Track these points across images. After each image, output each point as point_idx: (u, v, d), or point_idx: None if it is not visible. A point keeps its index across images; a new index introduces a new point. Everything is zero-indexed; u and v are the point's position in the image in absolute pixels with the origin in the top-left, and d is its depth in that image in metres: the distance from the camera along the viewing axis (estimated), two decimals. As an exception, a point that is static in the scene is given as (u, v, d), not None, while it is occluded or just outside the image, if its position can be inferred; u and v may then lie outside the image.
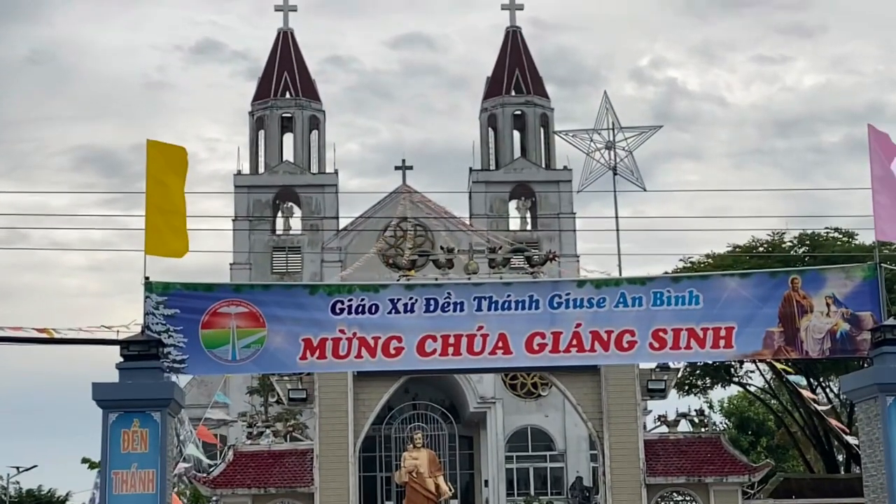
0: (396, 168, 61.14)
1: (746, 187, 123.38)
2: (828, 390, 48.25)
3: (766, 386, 52.49)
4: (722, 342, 21.56)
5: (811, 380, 45.40)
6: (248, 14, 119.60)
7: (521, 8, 65.69)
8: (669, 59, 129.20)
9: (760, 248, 44.75)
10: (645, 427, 32.36)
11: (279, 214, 63.28)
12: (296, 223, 63.11)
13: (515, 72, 64.69)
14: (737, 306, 21.59)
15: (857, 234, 44.00)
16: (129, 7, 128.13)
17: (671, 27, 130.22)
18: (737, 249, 45.26)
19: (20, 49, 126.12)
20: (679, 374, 33.40)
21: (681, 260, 46.48)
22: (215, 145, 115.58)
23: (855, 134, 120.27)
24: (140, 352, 20.05)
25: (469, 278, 27.67)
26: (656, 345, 21.61)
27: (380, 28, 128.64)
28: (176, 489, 32.12)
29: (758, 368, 47.55)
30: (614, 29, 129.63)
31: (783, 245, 44.89)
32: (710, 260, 45.51)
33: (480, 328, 21.64)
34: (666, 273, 28.59)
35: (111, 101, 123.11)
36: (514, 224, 62.56)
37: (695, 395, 49.86)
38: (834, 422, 34.12)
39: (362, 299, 21.52)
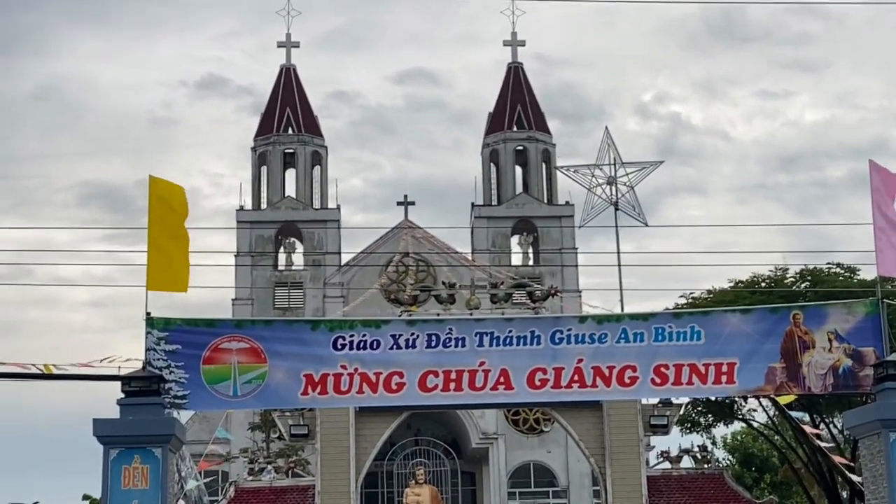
0: (398, 203, 61.25)
1: (749, 222, 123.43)
2: (831, 426, 48.10)
3: (769, 422, 52.36)
4: (724, 378, 21.54)
5: (814, 416, 45.29)
6: (252, 49, 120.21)
7: (522, 44, 66.02)
8: (673, 94, 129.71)
9: (762, 284, 44.74)
10: (648, 463, 32.27)
11: (281, 250, 63.31)
12: (298, 259, 63.14)
13: (517, 107, 64.90)
14: (738, 342, 21.58)
15: (859, 270, 44.03)
16: (135, 43, 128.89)
17: (675, 62, 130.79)
18: (739, 285, 45.26)
19: (26, 85, 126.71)
20: (681, 411, 33.34)
21: (682, 296, 46.50)
22: (219, 180, 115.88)
23: (859, 169, 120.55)
24: (141, 388, 20.03)
25: (471, 314, 27.68)
26: (658, 380, 21.59)
27: (383, 63, 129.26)
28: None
29: (760, 404, 47.46)
30: (618, 64, 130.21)
31: (785, 280, 44.89)
32: (711, 295, 45.51)
33: (482, 364, 21.63)
34: (667, 309, 28.61)
35: (116, 136, 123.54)
36: (516, 259, 62.58)
37: (698, 431, 49.75)
38: (838, 458, 33.96)
39: (364, 335, 21.52)
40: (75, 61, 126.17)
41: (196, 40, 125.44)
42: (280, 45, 65.66)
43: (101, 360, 21.00)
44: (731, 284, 45.53)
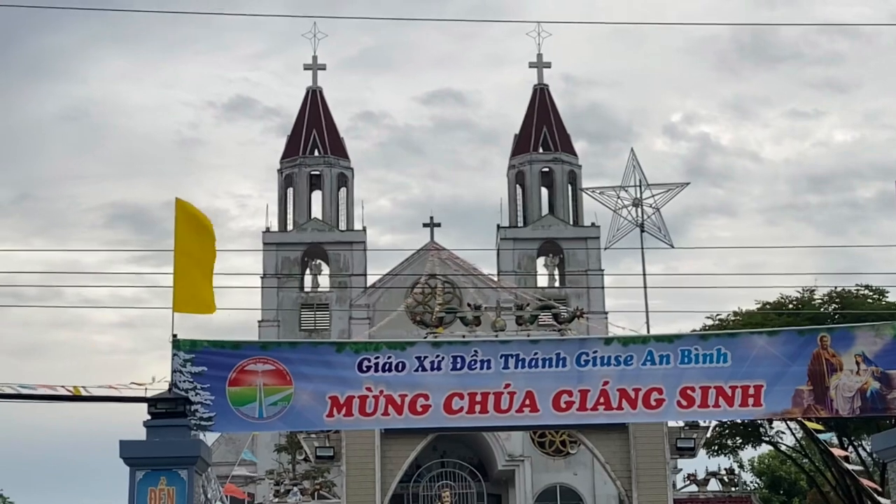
0: (424, 225, 61.36)
1: (779, 243, 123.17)
2: (860, 449, 47.75)
3: (797, 445, 52.02)
4: (751, 400, 21.42)
5: (843, 438, 44.97)
6: (281, 71, 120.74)
7: (548, 66, 66.12)
8: (702, 115, 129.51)
9: (790, 306, 44.53)
10: (674, 486, 32.12)
11: (307, 272, 63.47)
12: (324, 280, 63.30)
13: (543, 129, 64.97)
14: (765, 364, 21.47)
15: (887, 292, 43.80)
16: (163, 64, 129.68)
17: (703, 83, 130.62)
18: (766, 306, 45.06)
19: (54, 107, 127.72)
20: (708, 433, 33.16)
21: (708, 317, 46.33)
22: (246, 201, 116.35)
23: (890, 189, 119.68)
24: (167, 409, 20.09)
25: (496, 335, 27.66)
26: (684, 403, 21.50)
27: (411, 84, 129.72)
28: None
29: (788, 427, 47.16)
30: (646, 85, 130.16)
31: (813, 302, 44.67)
32: (738, 317, 45.31)
33: (507, 386, 21.58)
34: (694, 331, 28.51)
35: (144, 158, 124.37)
36: (542, 281, 62.53)
37: (725, 454, 49.48)
38: (866, 481, 33.70)
39: (389, 357, 21.52)
40: (103, 83, 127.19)
41: (224, 62, 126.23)
42: (306, 67, 66.00)
43: (130, 384, 21.08)
44: (759, 306, 45.32)
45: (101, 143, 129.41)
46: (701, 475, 32.29)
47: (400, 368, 21.45)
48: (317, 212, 64.77)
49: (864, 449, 47.42)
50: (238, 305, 67.30)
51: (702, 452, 31.78)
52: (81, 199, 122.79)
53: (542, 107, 65.55)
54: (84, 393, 21.15)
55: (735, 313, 45.91)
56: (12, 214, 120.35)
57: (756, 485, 67.86)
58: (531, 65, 65.92)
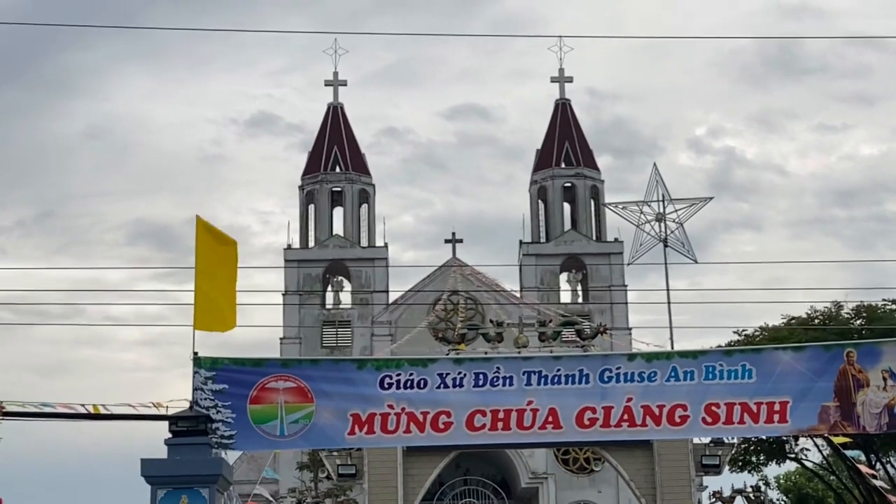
0: (446, 241, 61.34)
1: (805, 258, 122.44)
2: (887, 466, 47.39)
3: (824, 461, 51.68)
4: (776, 417, 21.29)
5: (870, 455, 44.64)
6: (304, 86, 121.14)
7: (570, 80, 66.10)
8: (727, 129, 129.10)
9: (816, 321, 44.30)
10: (700, 503, 31.93)
11: (329, 288, 63.54)
12: (346, 297, 63.34)
13: (565, 144, 64.92)
14: (791, 380, 21.34)
15: (916, 307, 43.52)
16: (186, 82, 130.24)
17: (729, 96, 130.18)
18: (792, 321, 44.85)
19: (78, 124, 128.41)
20: (733, 450, 32.99)
21: (734, 332, 46.15)
22: (269, 218, 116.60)
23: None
24: (188, 428, 20.09)
25: (519, 352, 27.59)
26: (709, 419, 21.39)
27: (434, 99, 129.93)
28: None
29: (815, 444, 46.86)
30: (671, 98, 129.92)
31: (839, 317, 44.42)
32: (764, 332, 45.12)
33: (530, 403, 21.52)
34: (719, 346, 28.38)
35: (167, 175, 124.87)
36: (565, 297, 62.39)
37: (750, 471, 49.20)
38: (894, 499, 33.41)
39: (410, 374, 21.48)
40: (126, 100, 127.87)
41: (247, 78, 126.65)
42: (327, 83, 66.15)
43: (149, 403, 21.11)
44: (785, 321, 45.11)
45: (124, 160, 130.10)
46: (726, 492, 32.12)
47: (422, 385, 21.42)
48: (338, 228, 64.85)
49: (893, 466, 47.06)
50: (260, 322, 67.41)
51: (727, 469, 31.57)
52: (104, 216, 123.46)
53: (563, 122, 65.51)
54: (104, 411, 21.17)
55: (760, 329, 45.72)
56: (35, 233, 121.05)
57: (782, 502, 67.42)
58: (553, 79, 65.92)
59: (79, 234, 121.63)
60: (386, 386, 21.37)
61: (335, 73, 65.80)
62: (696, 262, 29.49)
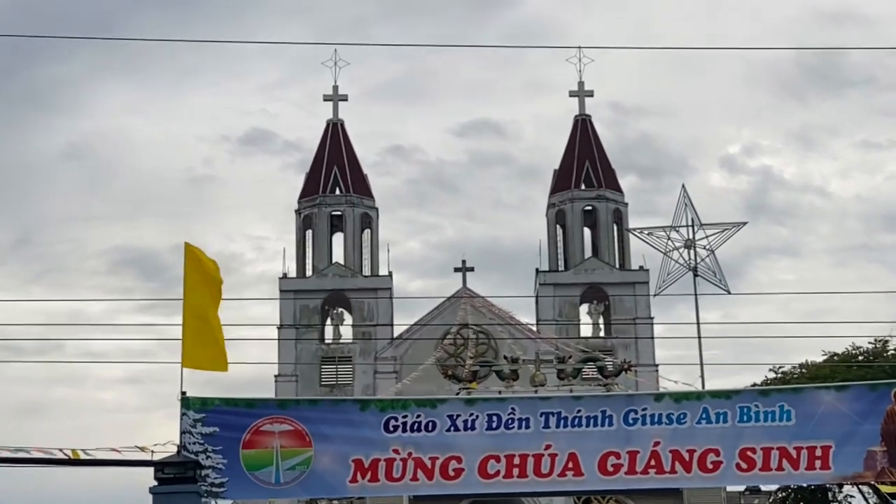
0: (456, 270, 61.39)
1: (849, 287, 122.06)
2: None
3: (871, 511, 51.47)
4: (818, 463, 21.30)
5: (921, 504, 44.44)
6: (302, 101, 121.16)
7: (590, 94, 66.18)
8: (763, 146, 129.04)
9: (860, 357, 44.25)
10: (734, 557, 31.84)
11: (328, 321, 63.55)
12: (346, 331, 63.30)
13: (585, 164, 64.96)
14: (834, 423, 21.35)
15: (969, 342, 43.46)
16: (174, 96, 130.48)
17: (765, 111, 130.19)
18: (834, 358, 44.81)
19: (56, 143, 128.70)
20: (771, 499, 32.94)
21: (770, 370, 46.10)
22: (263, 244, 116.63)
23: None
24: (176, 474, 20.13)
25: (535, 391, 27.60)
26: (744, 465, 21.41)
27: (444, 115, 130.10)
28: None
29: (860, 492, 46.68)
30: (701, 113, 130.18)
31: (886, 353, 44.36)
32: (803, 370, 45.07)
33: (548, 447, 21.56)
34: (754, 385, 28.43)
35: (152, 197, 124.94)
36: (586, 330, 62.32)
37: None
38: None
39: (418, 415, 21.54)
40: (109, 116, 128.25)
41: (239, 92, 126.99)
42: (326, 98, 66.33)
43: (134, 447, 21.15)
44: (826, 357, 45.06)
45: (106, 181, 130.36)
46: (763, 545, 32.03)
47: (430, 428, 21.47)
48: (338, 256, 64.90)
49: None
50: (253, 358, 67.45)
51: (764, 520, 31.54)
52: (84, 243, 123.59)
53: (583, 139, 65.61)
54: (83, 456, 21.21)
55: (800, 366, 45.66)
56: (9, 261, 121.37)
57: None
58: (571, 93, 66.03)
59: (56, 261, 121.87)
60: (391, 429, 21.42)
61: (335, 87, 66.03)
62: (728, 292, 29.53)
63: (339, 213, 65.08)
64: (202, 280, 20.69)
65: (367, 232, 65.69)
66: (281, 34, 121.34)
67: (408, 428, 21.43)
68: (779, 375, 45.77)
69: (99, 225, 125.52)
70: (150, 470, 20.29)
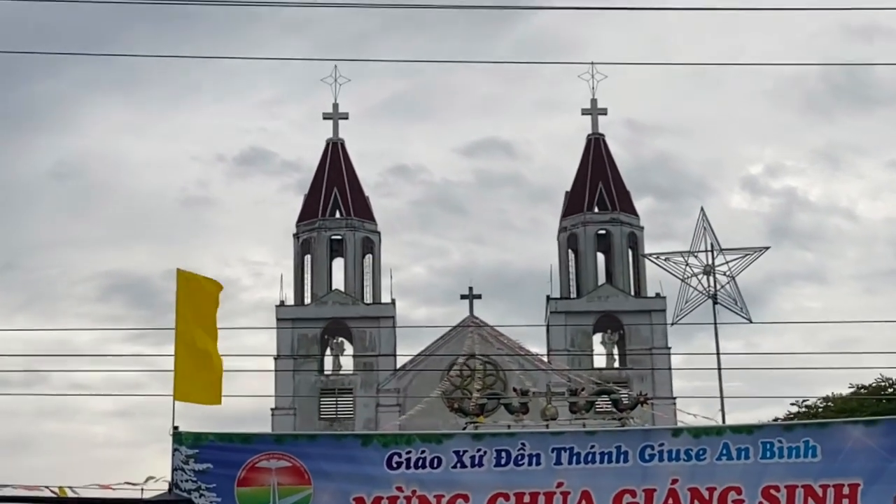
0: (462, 297, 61.34)
1: (879, 316, 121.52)
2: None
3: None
4: (845, 502, 21.26)
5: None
6: (301, 119, 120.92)
7: (604, 112, 66.30)
8: (787, 166, 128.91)
9: (889, 390, 44.21)
10: None
11: (328, 352, 63.54)
12: (347, 362, 63.27)
13: (599, 185, 65.02)
14: (862, 459, 21.33)
15: None
16: (168, 114, 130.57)
17: (789, 129, 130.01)
18: (862, 391, 44.75)
19: (43, 162, 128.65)
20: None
21: (795, 403, 46.06)
22: (261, 269, 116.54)
23: None
24: (167, 513, 20.12)
25: (546, 426, 27.57)
26: (767, 504, 21.39)
27: (451, 133, 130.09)
28: None
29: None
30: (722, 132, 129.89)
31: (917, 385, 44.35)
32: (829, 403, 45.02)
33: (560, 485, 21.54)
34: (777, 419, 28.40)
35: (144, 220, 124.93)
36: (599, 361, 62.30)
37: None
38: None
39: (423, 451, 21.54)
40: (99, 135, 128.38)
41: (236, 109, 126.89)
42: (326, 116, 66.46)
43: (124, 483, 21.16)
44: (853, 390, 45.02)
45: (95, 203, 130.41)
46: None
47: (435, 465, 21.46)
48: (338, 282, 64.92)
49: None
50: (248, 391, 67.37)
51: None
52: (72, 268, 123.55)
53: (597, 159, 65.68)
54: (71, 494, 21.22)
55: (826, 399, 45.65)
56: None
57: None
58: (584, 111, 66.16)
59: (43, 288, 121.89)
60: (394, 465, 21.42)
61: (335, 105, 66.17)
62: (750, 321, 29.50)
63: (339, 237, 65.13)
64: (196, 307, 20.70)
65: (368, 257, 65.73)
66: (279, 49, 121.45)
67: (412, 464, 21.43)
68: (803, 409, 45.75)
69: (88, 249, 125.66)
70: (141, 509, 20.28)
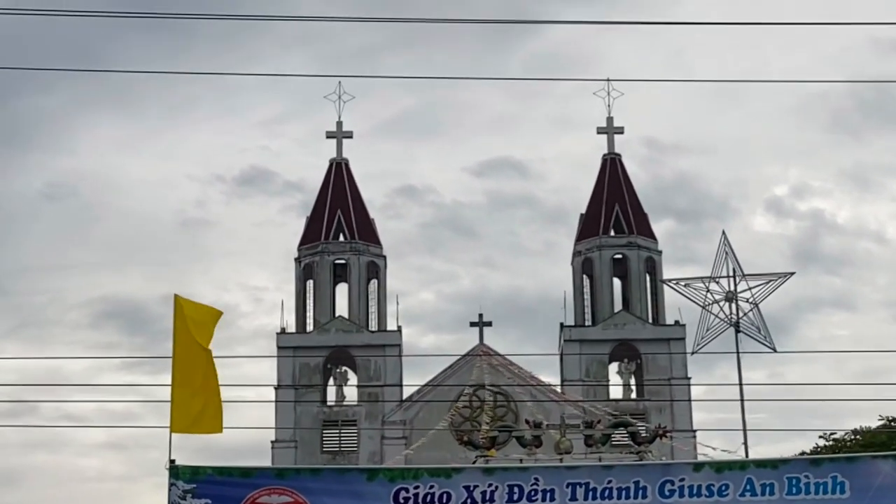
0: (472, 324, 61.31)
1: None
2: None
3: None
4: (875, 540, 21.22)
5: None
6: (305, 137, 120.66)
7: (620, 131, 66.32)
8: (813, 187, 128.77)
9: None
10: None
11: (331, 381, 63.50)
12: (351, 392, 63.21)
13: (615, 208, 65.02)
14: (893, 496, 21.30)
15: None
16: (164, 132, 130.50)
17: (816, 148, 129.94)
18: (893, 423, 44.67)
19: (35, 183, 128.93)
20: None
21: (822, 436, 45.97)
22: (262, 295, 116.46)
23: None
24: (163, 551, 20.12)
25: (561, 460, 27.55)
26: (793, 543, 21.34)
27: (461, 152, 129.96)
28: None
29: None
30: (745, 151, 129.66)
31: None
32: (858, 437, 44.92)
33: (575, 522, 21.51)
34: (803, 453, 28.37)
35: (140, 243, 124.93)
36: (616, 392, 62.21)
37: None
38: None
39: (431, 486, 21.52)
40: (92, 154, 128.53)
41: (235, 127, 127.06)
42: (329, 135, 66.55)
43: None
44: (883, 423, 44.93)
45: (88, 225, 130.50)
46: None
47: (444, 500, 21.44)
48: (342, 309, 64.90)
49: None
50: (248, 423, 67.34)
51: None
52: (64, 293, 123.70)
53: (613, 180, 65.70)
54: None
55: (854, 432, 45.55)
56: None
57: None
58: (599, 130, 66.14)
59: (33, 314, 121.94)
60: (401, 501, 21.40)
61: (338, 123, 66.25)
62: (774, 350, 29.50)
63: (343, 261, 65.14)
64: (194, 336, 20.74)
65: (373, 282, 65.75)
66: (281, 64, 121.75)
67: (420, 500, 21.41)
68: (831, 443, 45.64)
69: (80, 273, 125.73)
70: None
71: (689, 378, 61.44)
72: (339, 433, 62.23)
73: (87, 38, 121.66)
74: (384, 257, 66.30)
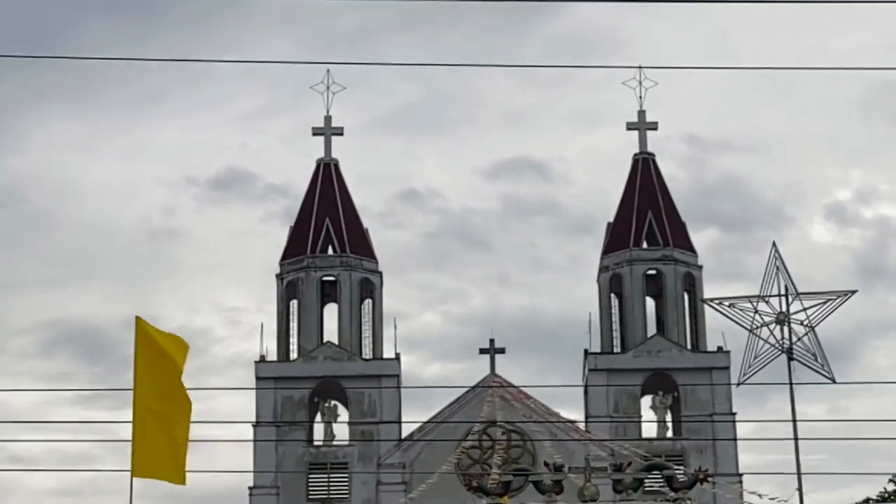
0: (482, 351, 61.27)
1: None
2: None
3: None
4: None
5: None
6: (290, 134, 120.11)
7: (653, 127, 66.20)
8: (881, 191, 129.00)
9: None
10: None
11: (318, 418, 63.50)
12: (341, 430, 63.23)
13: (648, 215, 64.93)
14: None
15: None
16: (128, 128, 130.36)
17: (883, 145, 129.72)
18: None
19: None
20: None
21: (891, 480, 45.96)
22: (238, 317, 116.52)
23: None
24: None
25: (585, 508, 27.58)
26: None
27: (470, 151, 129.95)
28: None
29: None
30: (801, 150, 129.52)
31: None
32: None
33: (602, 581, 21.55)
34: (869, 500, 28.33)
35: (98, 257, 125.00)
36: (649, 430, 62.21)
37: None
38: None
39: (434, 540, 21.55)
40: (45, 153, 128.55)
41: (210, 122, 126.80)
42: (316, 132, 66.48)
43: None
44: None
45: (39, 236, 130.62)
46: None
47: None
48: (331, 333, 64.87)
49: None
50: (222, 465, 67.30)
51: None
52: (10, 315, 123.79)
53: (645, 184, 65.60)
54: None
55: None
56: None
57: None
58: (630, 126, 66.05)
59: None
60: (399, 557, 21.44)
61: (327, 118, 66.16)
62: (833, 381, 29.48)
63: (332, 278, 65.09)
64: (158, 365, 20.72)
65: (367, 302, 65.73)
66: (262, 50, 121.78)
67: (421, 556, 21.45)
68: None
69: (28, 293, 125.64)
70: None
71: (734, 413, 61.43)
72: (328, 478, 62.22)
73: (40, 19, 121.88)
74: (380, 273, 66.28)
